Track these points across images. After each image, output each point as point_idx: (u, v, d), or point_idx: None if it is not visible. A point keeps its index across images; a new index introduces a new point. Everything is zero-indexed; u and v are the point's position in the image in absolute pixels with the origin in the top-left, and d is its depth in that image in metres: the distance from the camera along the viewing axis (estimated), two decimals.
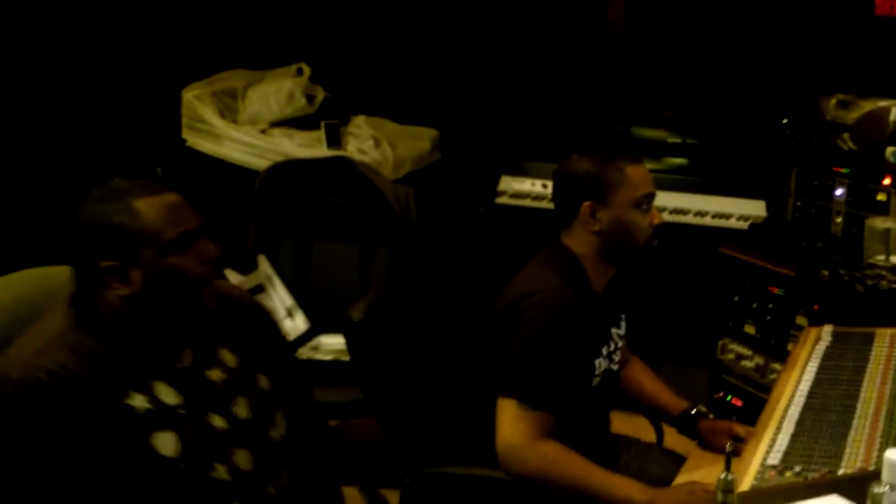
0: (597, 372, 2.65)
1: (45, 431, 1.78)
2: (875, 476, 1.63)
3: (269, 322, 2.25)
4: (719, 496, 1.60)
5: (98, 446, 1.81)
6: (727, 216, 4.52)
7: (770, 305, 3.80)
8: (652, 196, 2.63)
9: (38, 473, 1.78)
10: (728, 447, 1.65)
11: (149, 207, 1.89)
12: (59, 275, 2.15)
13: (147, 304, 1.91)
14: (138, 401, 1.87)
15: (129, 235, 1.87)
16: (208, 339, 2.04)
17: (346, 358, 2.73)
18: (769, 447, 2.23)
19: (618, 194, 2.58)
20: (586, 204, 2.59)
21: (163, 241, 1.89)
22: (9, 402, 1.78)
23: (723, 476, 1.61)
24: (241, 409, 2.02)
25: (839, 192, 3.71)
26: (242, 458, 1.99)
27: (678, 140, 4.97)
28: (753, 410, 3.63)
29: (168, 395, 1.91)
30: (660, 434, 3.01)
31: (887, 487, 1.58)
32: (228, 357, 2.06)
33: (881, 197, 3.53)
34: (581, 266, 2.62)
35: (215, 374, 2.01)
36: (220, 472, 1.94)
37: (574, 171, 2.63)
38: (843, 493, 1.77)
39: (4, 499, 1.79)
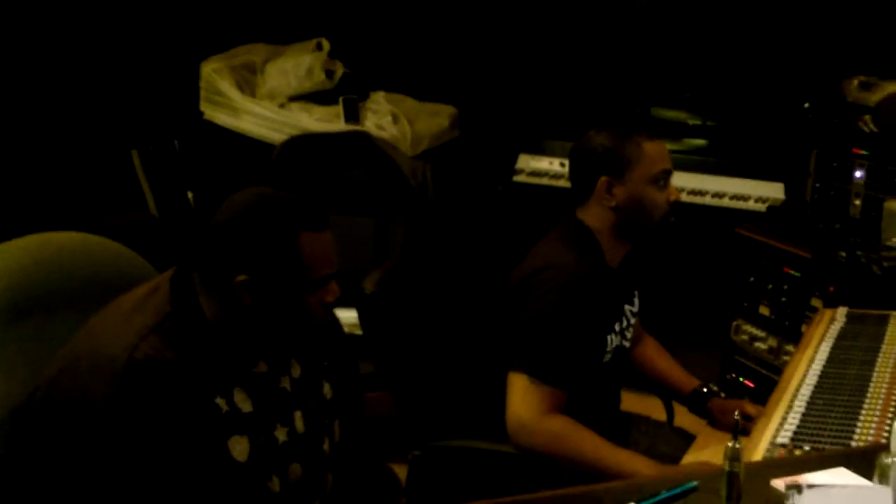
0: (608, 348, 2.64)
1: (140, 415, 1.78)
2: (883, 448, 1.62)
3: (337, 331, 2.25)
4: (726, 465, 1.59)
5: (180, 439, 1.81)
6: (745, 198, 4.51)
7: (785, 287, 3.78)
8: (669, 172, 2.62)
9: (124, 454, 1.78)
10: (736, 415, 1.65)
11: (311, 244, 1.90)
12: (66, 240, 2.18)
13: (258, 320, 1.92)
14: (220, 402, 1.89)
15: (282, 264, 1.88)
16: (283, 347, 2.05)
17: (357, 332, 2.74)
18: (779, 426, 2.23)
19: (635, 170, 2.57)
20: (603, 179, 2.58)
21: (308, 278, 1.91)
22: (111, 382, 1.78)
23: (730, 444, 1.60)
24: (299, 423, 2.04)
25: (858, 174, 3.67)
26: (295, 471, 2.01)
27: (698, 121, 4.96)
28: (766, 392, 3.60)
29: (244, 402, 1.93)
30: (670, 412, 3.00)
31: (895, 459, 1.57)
32: (296, 367, 2.06)
33: None
34: (596, 241, 2.61)
35: (285, 383, 2.03)
36: (275, 483, 1.97)
37: (591, 146, 2.62)
38: (851, 467, 1.76)
39: (91, 470, 1.79)
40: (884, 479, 1.58)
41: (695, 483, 1.74)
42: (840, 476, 1.70)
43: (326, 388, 2.13)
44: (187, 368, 1.83)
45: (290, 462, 2.01)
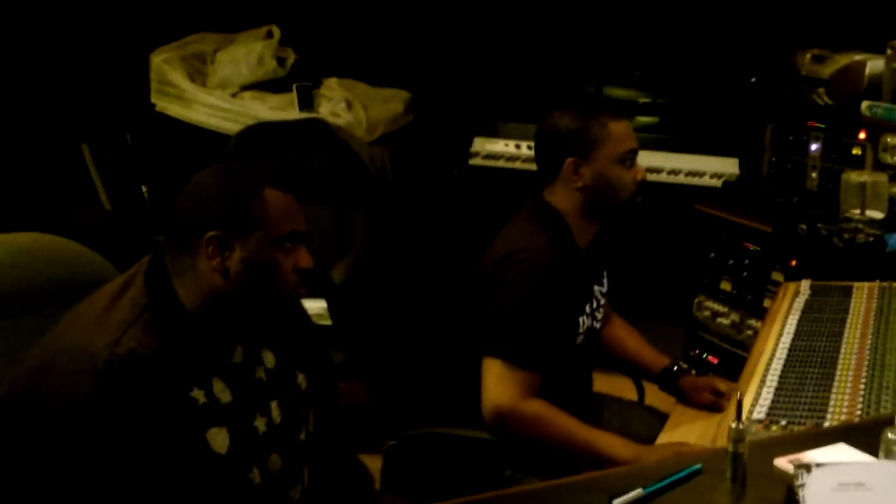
0: (580, 330, 2.64)
1: (123, 411, 1.75)
2: (887, 422, 1.62)
3: (307, 319, 2.23)
4: (730, 445, 1.58)
5: (162, 433, 1.79)
6: (700, 174, 4.54)
7: (746, 262, 3.81)
8: (635, 152, 2.62)
9: (108, 451, 1.76)
10: (738, 395, 1.65)
11: (276, 198, 1.90)
12: (27, 241, 2.15)
13: (230, 294, 1.90)
14: (198, 394, 1.87)
15: (248, 214, 1.87)
16: (256, 335, 2.02)
17: (326, 322, 2.72)
18: (754, 401, 2.24)
19: (601, 150, 2.57)
20: (569, 160, 2.57)
21: (275, 232, 1.89)
22: (93, 379, 1.75)
23: (733, 425, 1.59)
24: (276, 413, 2.02)
25: (814, 146, 3.71)
26: (274, 462, 2.00)
27: (648, 99, 4.96)
28: (730, 367, 3.66)
29: (222, 392, 1.91)
30: (641, 392, 3.01)
31: None
32: (269, 357, 2.04)
33: (857, 151, 3.53)
34: (565, 223, 2.60)
35: (261, 373, 2.01)
36: (255, 474, 1.95)
37: (556, 127, 2.61)
38: (850, 442, 1.77)
39: (73, 469, 1.76)
40: (890, 455, 1.58)
41: (699, 465, 1.75)
42: (841, 452, 1.70)
43: (301, 378, 2.11)
44: (168, 360, 1.81)
45: (270, 453, 1.98)
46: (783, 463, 1.71)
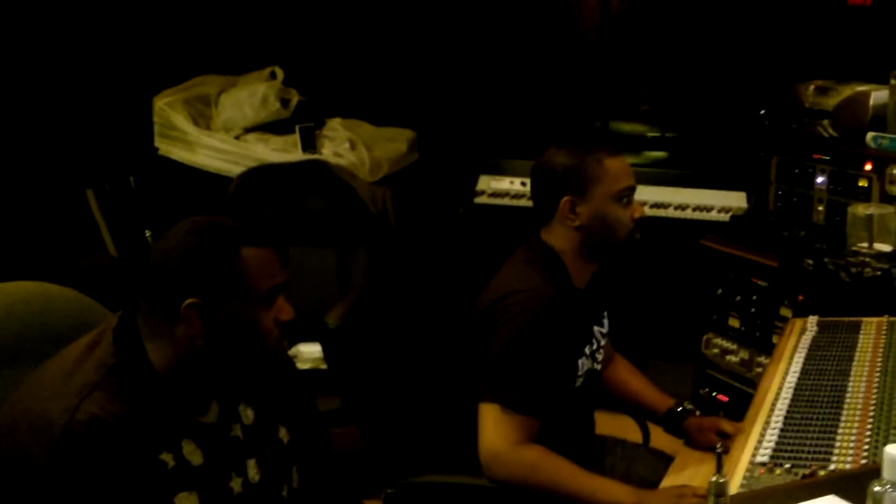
0: (580, 372, 2.59)
1: (82, 478, 1.71)
2: (874, 474, 1.55)
3: (292, 371, 2.19)
4: (711, 500, 1.52)
5: (125, 500, 1.74)
6: (708, 209, 4.50)
7: (754, 297, 3.75)
8: (632, 189, 2.57)
9: None
10: (718, 448, 1.58)
11: (253, 256, 1.85)
12: (23, 290, 2.11)
13: (208, 354, 1.84)
14: (167, 457, 1.81)
15: (226, 278, 1.82)
16: (234, 392, 1.97)
17: (321, 367, 2.68)
18: (758, 444, 2.19)
19: (597, 188, 2.52)
20: (565, 199, 2.53)
21: (255, 291, 1.84)
22: (51, 445, 1.71)
23: (714, 479, 1.52)
24: (253, 471, 1.96)
25: (820, 179, 3.66)
26: None
27: (656, 134, 4.94)
28: (740, 405, 3.57)
29: (193, 455, 1.85)
30: (646, 434, 2.95)
31: (889, 486, 1.50)
32: (247, 413, 1.99)
33: (863, 183, 3.48)
34: (562, 263, 2.56)
35: (237, 430, 1.96)
36: None
37: (551, 165, 2.57)
38: (840, 493, 1.70)
39: None
40: None
41: None
42: None
43: (283, 433, 2.05)
44: (134, 424, 1.76)
45: None
46: None
